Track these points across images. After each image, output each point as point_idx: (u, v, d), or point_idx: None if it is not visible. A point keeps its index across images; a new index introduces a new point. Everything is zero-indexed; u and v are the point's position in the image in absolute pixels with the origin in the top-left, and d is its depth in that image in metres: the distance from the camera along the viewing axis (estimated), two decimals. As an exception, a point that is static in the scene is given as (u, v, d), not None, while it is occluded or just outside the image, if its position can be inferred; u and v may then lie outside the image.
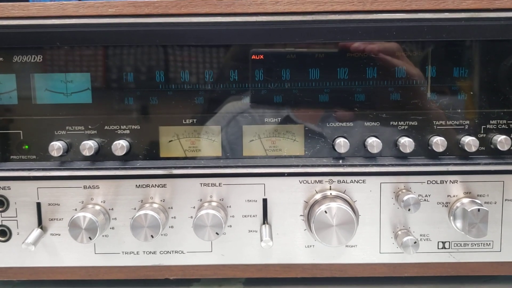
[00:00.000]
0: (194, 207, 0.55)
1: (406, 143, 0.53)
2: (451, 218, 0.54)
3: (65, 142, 0.55)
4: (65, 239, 0.55)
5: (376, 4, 0.51)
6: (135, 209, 0.55)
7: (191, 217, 0.55)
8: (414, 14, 0.51)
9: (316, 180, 0.54)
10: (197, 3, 0.51)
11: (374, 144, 0.53)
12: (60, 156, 0.54)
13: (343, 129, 0.55)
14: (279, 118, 0.55)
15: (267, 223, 0.55)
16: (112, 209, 0.55)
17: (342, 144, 0.53)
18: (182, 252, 0.56)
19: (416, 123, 0.54)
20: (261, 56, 0.54)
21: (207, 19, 0.51)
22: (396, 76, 0.54)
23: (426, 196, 0.54)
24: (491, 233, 0.54)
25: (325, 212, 0.50)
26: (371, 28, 0.51)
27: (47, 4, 0.52)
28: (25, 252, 0.54)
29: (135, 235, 0.51)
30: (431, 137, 0.54)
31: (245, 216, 0.55)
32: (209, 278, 0.58)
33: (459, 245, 0.56)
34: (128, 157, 0.55)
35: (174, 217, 0.55)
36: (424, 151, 0.55)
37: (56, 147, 0.53)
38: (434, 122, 0.54)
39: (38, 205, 0.55)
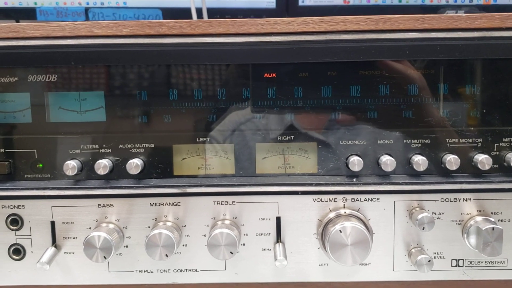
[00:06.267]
0: (207, 225, 0.55)
1: (420, 162, 0.53)
2: (465, 236, 0.54)
3: (80, 161, 0.55)
4: (79, 258, 0.55)
5: (389, 24, 0.52)
6: (149, 227, 0.55)
7: (205, 235, 0.55)
8: (427, 34, 0.51)
9: (330, 199, 0.54)
10: (211, 23, 0.52)
11: (388, 162, 0.53)
12: (75, 175, 0.54)
13: (356, 147, 0.55)
14: (292, 136, 0.56)
15: (280, 242, 0.55)
16: (126, 227, 0.55)
17: (356, 163, 0.53)
18: (196, 270, 0.56)
19: (429, 141, 0.54)
20: (274, 74, 0.55)
21: (221, 39, 0.52)
22: (408, 93, 0.54)
23: (439, 214, 0.54)
24: (505, 251, 0.54)
25: (340, 231, 0.50)
26: (384, 47, 0.52)
27: (62, 24, 0.53)
28: (39, 270, 0.54)
29: (150, 254, 0.52)
30: (444, 155, 0.54)
31: (259, 234, 0.55)
32: (222, 296, 0.58)
33: (472, 263, 0.56)
34: (142, 176, 0.55)
35: (188, 236, 0.55)
36: (437, 169, 0.55)
37: (71, 166, 0.53)
38: (447, 140, 0.54)
39: (52, 223, 0.55)
